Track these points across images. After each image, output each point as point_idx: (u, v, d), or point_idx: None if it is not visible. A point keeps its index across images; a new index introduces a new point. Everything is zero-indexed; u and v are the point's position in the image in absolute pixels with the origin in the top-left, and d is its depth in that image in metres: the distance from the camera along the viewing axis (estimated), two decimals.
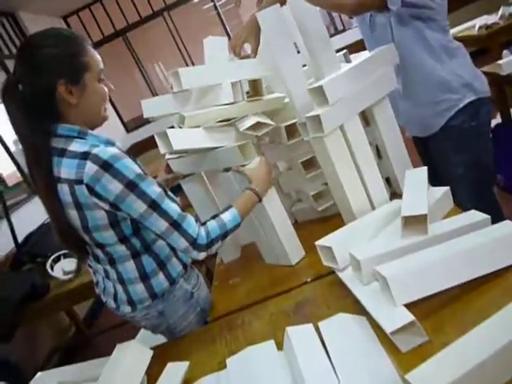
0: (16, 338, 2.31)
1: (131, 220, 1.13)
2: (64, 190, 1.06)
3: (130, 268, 1.18)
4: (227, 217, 1.17)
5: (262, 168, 1.28)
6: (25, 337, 2.75)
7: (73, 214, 1.08)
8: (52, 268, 2.34)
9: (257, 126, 1.30)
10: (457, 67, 1.48)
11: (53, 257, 2.36)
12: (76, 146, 1.06)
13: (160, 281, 1.20)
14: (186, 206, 1.31)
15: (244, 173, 1.28)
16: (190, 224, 1.11)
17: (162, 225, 1.08)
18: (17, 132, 1.09)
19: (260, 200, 1.26)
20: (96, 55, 1.12)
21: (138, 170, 1.06)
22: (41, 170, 1.07)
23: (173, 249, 1.23)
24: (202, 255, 1.14)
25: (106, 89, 1.16)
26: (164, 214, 1.08)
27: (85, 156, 1.03)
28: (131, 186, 1.04)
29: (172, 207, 1.09)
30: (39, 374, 1.25)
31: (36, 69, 1.05)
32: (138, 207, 1.05)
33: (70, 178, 1.04)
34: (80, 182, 1.03)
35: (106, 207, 1.06)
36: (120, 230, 1.13)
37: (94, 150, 1.03)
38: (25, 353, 2.72)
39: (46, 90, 1.06)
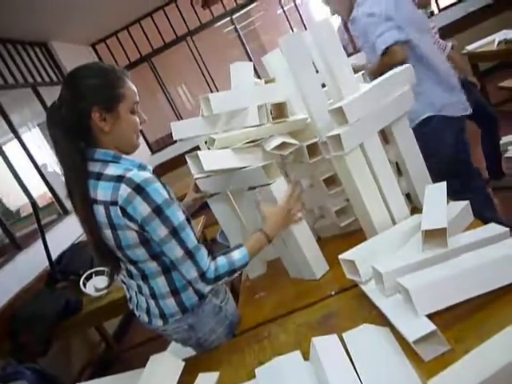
0: (52, 353, 2.40)
1: None
2: (100, 211, 1.14)
3: (161, 283, 1.24)
4: (236, 255, 1.23)
5: (280, 212, 1.33)
6: (60, 352, 2.84)
7: (108, 234, 1.16)
8: (85, 285, 2.43)
9: (282, 145, 1.36)
10: None
11: (85, 274, 2.45)
12: (111, 170, 1.14)
13: (190, 296, 1.26)
14: (213, 224, 1.38)
15: (263, 212, 1.35)
16: (203, 256, 1.18)
17: (177, 252, 1.15)
18: (57, 153, 1.18)
19: (270, 242, 1.31)
20: (132, 88, 1.21)
21: (166, 196, 1.13)
22: (79, 190, 1.16)
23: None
24: (207, 288, 1.20)
25: (137, 120, 1.23)
26: (182, 242, 1.15)
27: (119, 179, 1.11)
28: (158, 210, 1.11)
29: (190, 237, 1.16)
30: None
31: (76, 95, 1.15)
32: (161, 232, 1.12)
33: (106, 199, 1.12)
34: (115, 203, 1.11)
35: (136, 228, 1.13)
36: (150, 247, 1.19)
37: (128, 174, 1.11)
38: (60, 367, 2.81)
39: (82, 115, 1.15)
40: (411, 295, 0.91)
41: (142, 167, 1.20)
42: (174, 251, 1.15)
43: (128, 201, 1.09)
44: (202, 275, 1.17)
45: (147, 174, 1.13)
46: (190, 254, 1.15)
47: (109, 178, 1.13)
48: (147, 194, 1.09)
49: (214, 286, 1.21)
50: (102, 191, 1.13)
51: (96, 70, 1.19)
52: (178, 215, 1.14)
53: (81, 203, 1.15)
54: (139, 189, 1.09)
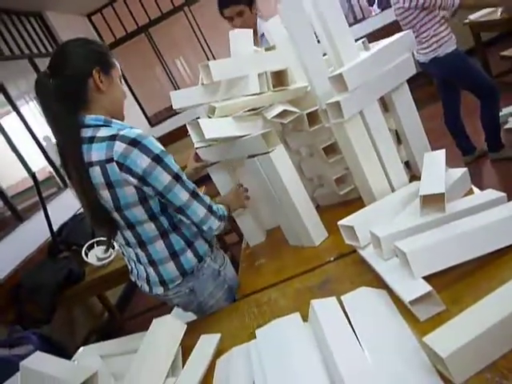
0: (56, 322, 2.45)
1: (159, 199, 1.22)
2: (95, 172, 1.15)
3: (159, 247, 1.27)
4: (223, 207, 1.36)
5: (231, 194, 1.53)
6: (63, 321, 2.90)
7: (105, 195, 1.18)
8: (86, 255, 2.46)
9: (283, 113, 1.36)
10: None
11: (87, 244, 2.49)
12: (104, 132, 1.17)
13: (188, 258, 1.29)
14: (213, 196, 1.42)
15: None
16: (204, 195, 1.26)
17: (184, 195, 1.20)
18: (49, 120, 1.19)
19: (229, 212, 1.43)
20: (117, 63, 1.28)
21: (162, 147, 1.18)
22: (73, 156, 1.17)
23: (197, 226, 1.30)
24: (216, 223, 1.28)
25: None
26: (185, 184, 1.21)
27: (113, 138, 1.14)
28: (157, 159, 1.15)
29: (188, 180, 1.24)
30: (82, 348, 1.36)
31: (73, 59, 1.18)
32: (164, 179, 1.16)
33: (101, 159, 1.14)
34: (111, 160, 1.13)
35: (135, 182, 1.15)
36: (149, 207, 1.22)
37: (121, 132, 1.15)
38: (64, 336, 2.87)
39: (82, 76, 1.18)
40: (408, 258, 0.93)
41: (133, 128, 1.22)
42: (180, 195, 1.20)
43: (124, 155, 1.12)
44: (210, 209, 1.26)
45: (139, 130, 1.17)
46: (194, 194, 1.23)
47: (102, 139, 1.15)
48: (143, 145, 1.13)
49: (221, 225, 1.29)
50: (96, 152, 1.15)
51: (89, 40, 1.24)
52: (174, 163, 1.20)
53: (76, 169, 1.17)
54: (135, 142, 1.13)
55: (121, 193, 1.17)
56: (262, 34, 2.16)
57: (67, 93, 1.17)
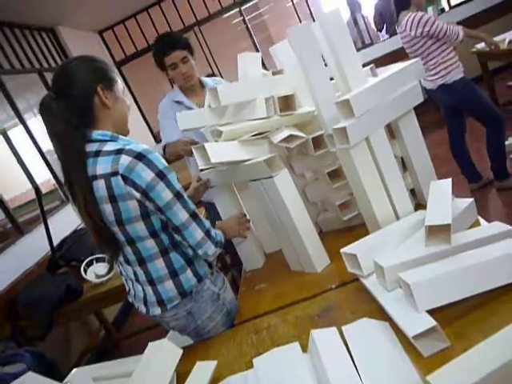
0: (50, 339, 2.41)
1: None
2: (99, 185, 1.15)
3: (159, 266, 1.25)
4: (219, 232, 1.32)
5: (231, 221, 1.51)
6: (59, 337, 2.85)
7: (107, 209, 1.17)
8: (85, 272, 2.43)
9: (289, 138, 1.36)
10: None
11: (86, 261, 2.46)
12: (110, 146, 1.17)
13: (188, 277, 1.27)
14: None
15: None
16: (203, 218, 1.25)
17: (183, 215, 1.19)
18: (56, 139, 1.19)
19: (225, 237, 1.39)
20: (118, 77, 1.29)
21: (166, 163, 1.18)
22: (79, 169, 1.16)
23: (192, 249, 1.27)
24: (212, 249, 1.25)
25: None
26: (185, 204, 1.20)
27: (119, 152, 1.14)
28: (161, 175, 1.15)
29: (190, 201, 1.23)
30: (75, 369, 1.32)
31: (77, 78, 1.18)
32: (166, 196, 1.16)
33: (106, 172, 1.14)
34: (116, 173, 1.13)
35: (138, 196, 1.14)
36: (151, 223, 1.20)
37: (128, 146, 1.15)
38: (59, 352, 2.82)
39: (87, 94, 1.18)
40: (412, 290, 0.90)
41: (139, 144, 1.22)
42: (179, 215, 1.19)
43: (130, 168, 1.12)
44: (208, 233, 1.24)
45: (145, 146, 1.17)
46: (194, 215, 1.22)
47: (108, 152, 1.16)
48: (149, 160, 1.14)
49: (217, 252, 1.27)
50: (101, 165, 1.15)
51: (89, 57, 1.25)
52: (177, 181, 1.20)
53: (81, 181, 1.16)
54: (140, 156, 1.13)
55: (123, 207, 1.16)
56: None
57: (74, 112, 1.18)
